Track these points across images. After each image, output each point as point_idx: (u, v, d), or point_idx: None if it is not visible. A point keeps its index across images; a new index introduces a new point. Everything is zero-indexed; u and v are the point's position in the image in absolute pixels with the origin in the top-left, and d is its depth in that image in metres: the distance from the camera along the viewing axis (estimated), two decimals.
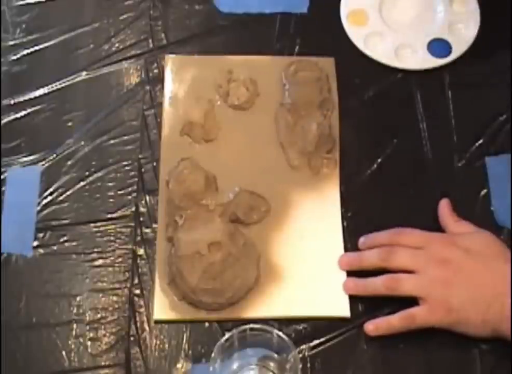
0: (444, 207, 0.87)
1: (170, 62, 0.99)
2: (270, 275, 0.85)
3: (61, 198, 0.91)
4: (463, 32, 1.00)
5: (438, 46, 0.99)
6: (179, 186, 0.88)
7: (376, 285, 0.82)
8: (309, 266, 0.86)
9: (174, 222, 0.87)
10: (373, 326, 0.82)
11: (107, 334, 0.83)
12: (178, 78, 0.98)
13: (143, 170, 0.93)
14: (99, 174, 0.93)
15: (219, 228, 0.85)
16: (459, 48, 0.99)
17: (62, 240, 0.89)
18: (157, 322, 0.83)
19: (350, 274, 0.85)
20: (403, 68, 0.98)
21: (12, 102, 0.98)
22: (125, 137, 0.95)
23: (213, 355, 0.76)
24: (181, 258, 0.83)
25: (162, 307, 0.83)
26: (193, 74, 0.98)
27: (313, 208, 0.90)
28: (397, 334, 0.81)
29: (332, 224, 0.89)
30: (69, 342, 0.83)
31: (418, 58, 0.98)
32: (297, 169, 0.92)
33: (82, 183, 0.92)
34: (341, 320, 0.83)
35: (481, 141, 0.93)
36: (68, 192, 0.91)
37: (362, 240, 0.86)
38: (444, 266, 0.80)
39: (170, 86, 0.97)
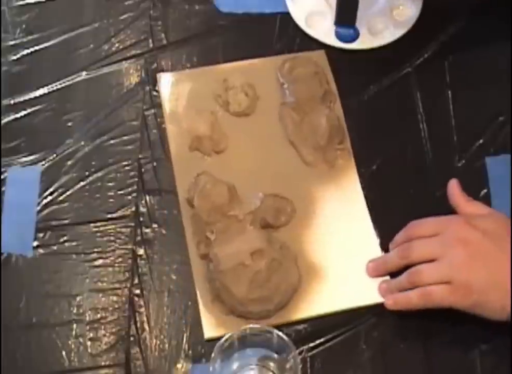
0: (454, 187, 0.86)
1: (163, 79, 0.98)
2: (309, 274, 0.85)
3: (61, 198, 0.91)
4: (403, 16, 1.02)
5: (345, 32, 1.00)
6: (204, 201, 0.87)
7: (401, 283, 0.82)
8: (343, 257, 0.86)
9: (205, 238, 0.85)
10: (392, 301, 0.82)
11: (107, 334, 0.83)
12: (175, 94, 0.97)
13: (143, 170, 0.93)
14: (99, 174, 0.93)
15: (256, 235, 0.84)
16: (397, 31, 1.01)
17: (62, 240, 0.89)
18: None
19: None
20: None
21: (12, 102, 0.98)
22: (125, 137, 0.95)
23: (213, 355, 0.76)
24: (224, 273, 0.82)
25: (211, 325, 0.82)
26: (189, 88, 0.97)
27: (336, 201, 0.90)
28: (397, 334, 0.82)
29: (358, 211, 0.89)
30: (69, 342, 0.83)
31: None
32: (312, 165, 0.92)
33: (82, 183, 0.92)
34: (341, 320, 0.83)
35: (481, 141, 0.93)
36: (68, 192, 0.91)
37: (390, 246, 0.86)
38: (463, 246, 0.80)
39: (168, 104, 0.96)
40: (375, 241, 0.87)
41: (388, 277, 0.84)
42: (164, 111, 0.96)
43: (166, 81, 0.98)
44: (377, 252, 0.86)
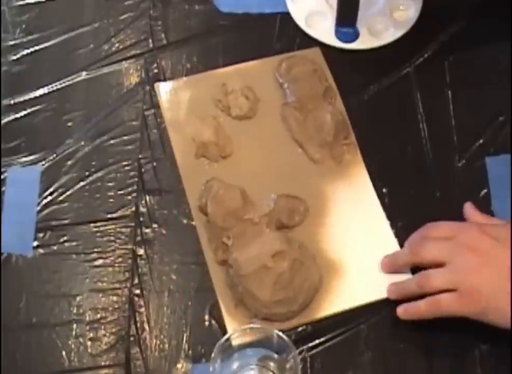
0: (469, 208, 0.86)
1: (161, 89, 0.97)
2: (329, 272, 0.85)
3: (61, 198, 0.91)
4: (403, 16, 1.02)
5: (345, 32, 1.00)
6: (218, 207, 0.86)
7: (409, 285, 0.82)
8: (360, 252, 0.86)
9: (222, 244, 0.85)
10: (403, 310, 0.82)
11: (107, 334, 0.83)
12: (175, 102, 0.96)
13: (143, 170, 0.93)
14: (99, 174, 0.93)
15: (275, 237, 0.84)
16: (397, 31, 1.01)
17: (62, 240, 0.89)
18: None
19: None
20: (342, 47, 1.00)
21: (12, 102, 0.98)
22: (125, 137, 0.95)
23: (213, 355, 0.76)
24: (246, 277, 0.81)
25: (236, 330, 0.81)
26: (188, 95, 0.97)
27: (347, 196, 0.90)
28: (397, 334, 0.82)
29: (370, 205, 0.89)
30: (69, 342, 0.83)
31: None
32: (320, 162, 0.92)
33: (82, 183, 0.92)
34: (341, 320, 0.83)
35: (481, 141, 0.93)
36: (68, 192, 0.91)
37: (405, 244, 0.86)
38: (473, 253, 0.79)
39: (169, 112, 0.96)
40: (390, 233, 0.87)
41: (409, 275, 0.84)
42: (166, 120, 0.95)
43: (164, 90, 0.97)
44: (393, 244, 0.87)
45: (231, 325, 0.82)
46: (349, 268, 0.86)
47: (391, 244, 0.87)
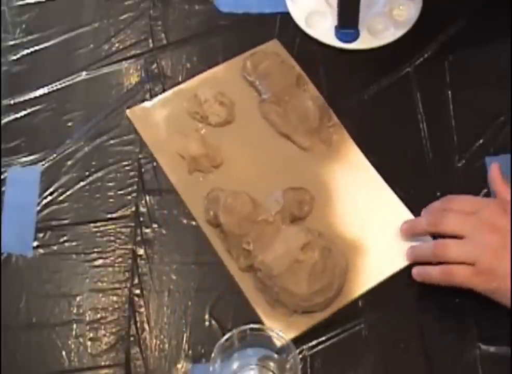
0: (495, 172, 0.86)
1: (134, 114, 0.96)
2: (351, 253, 0.86)
3: (61, 198, 0.91)
4: (403, 16, 1.02)
5: (345, 32, 1.00)
6: (231, 216, 0.86)
7: (425, 252, 0.83)
8: (374, 226, 0.87)
9: (243, 251, 0.85)
10: (416, 271, 0.83)
11: (107, 334, 0.83)
12: (152, 125, 0.95)
13: (143, 170, 0.93)
14: (99, 174, 0.93)
15: (297, 230, 0.84)
16: (397, 31, 1.01)
17: (62, 240, 0.89)
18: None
19: None
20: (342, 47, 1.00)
21: (12, 102, 0.98)
22: (125, 137, 0.95)
23: (213, 355, 0.76)
24: (279, 276, 0.81)
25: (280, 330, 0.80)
26: (164, 115, 0.95)
27: (346, 175, 0.91)
28: (397, 334, 0.82)
29: (370, 178, 0.90)
30: (69, 342, 0.83)
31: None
32: (310, 149, 0.92)
33: (82, 183, 0.92)
34: (341, 320, 0.83)
35: (481, 141, 0.93)
36: (68, 192, 0.91)
37: (423, 212, 0.86)
38: (494, 233, 0.80)
39: (149, 136, 0.94)
40: (397, 199, 0.89)
41: (430, 239, 0.85)
42: (148, 143, 0.94)
43: (137, 115, 0.96)
44: (403, 209, 0.88)
45: (273, 325, 0.81)
46: (369, 244, 0.86)
47: (401, 210, 0.88)
